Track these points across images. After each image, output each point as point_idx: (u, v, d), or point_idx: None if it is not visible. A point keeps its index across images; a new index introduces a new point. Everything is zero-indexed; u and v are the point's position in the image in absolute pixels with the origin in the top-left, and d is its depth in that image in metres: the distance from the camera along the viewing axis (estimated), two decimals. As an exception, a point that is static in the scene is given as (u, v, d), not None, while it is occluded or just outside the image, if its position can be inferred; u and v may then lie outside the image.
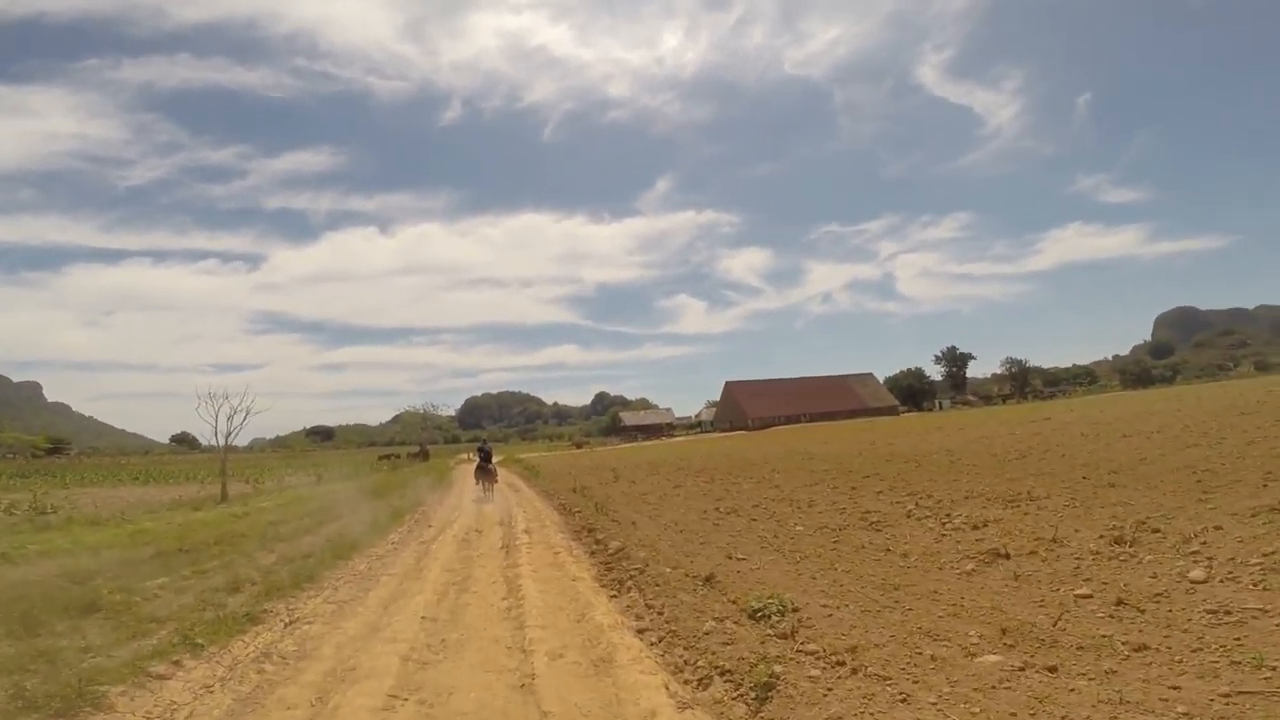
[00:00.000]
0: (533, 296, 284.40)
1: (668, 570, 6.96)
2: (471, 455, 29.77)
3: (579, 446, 70.32)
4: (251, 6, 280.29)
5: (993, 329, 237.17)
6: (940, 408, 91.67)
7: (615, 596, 6.57)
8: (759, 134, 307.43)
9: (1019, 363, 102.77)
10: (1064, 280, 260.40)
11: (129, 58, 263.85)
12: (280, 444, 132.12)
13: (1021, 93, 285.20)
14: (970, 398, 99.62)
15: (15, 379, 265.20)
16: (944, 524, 8.39)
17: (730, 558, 7.63)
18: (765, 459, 24.01)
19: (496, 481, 19.20)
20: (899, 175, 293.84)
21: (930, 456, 18.39)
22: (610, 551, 8.52)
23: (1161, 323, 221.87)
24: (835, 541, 8.12)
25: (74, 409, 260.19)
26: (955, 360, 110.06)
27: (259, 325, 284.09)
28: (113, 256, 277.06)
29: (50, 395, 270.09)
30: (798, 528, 9.29)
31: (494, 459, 20.64)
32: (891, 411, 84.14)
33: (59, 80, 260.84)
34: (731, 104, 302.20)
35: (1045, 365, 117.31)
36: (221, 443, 20.51)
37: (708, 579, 6.43)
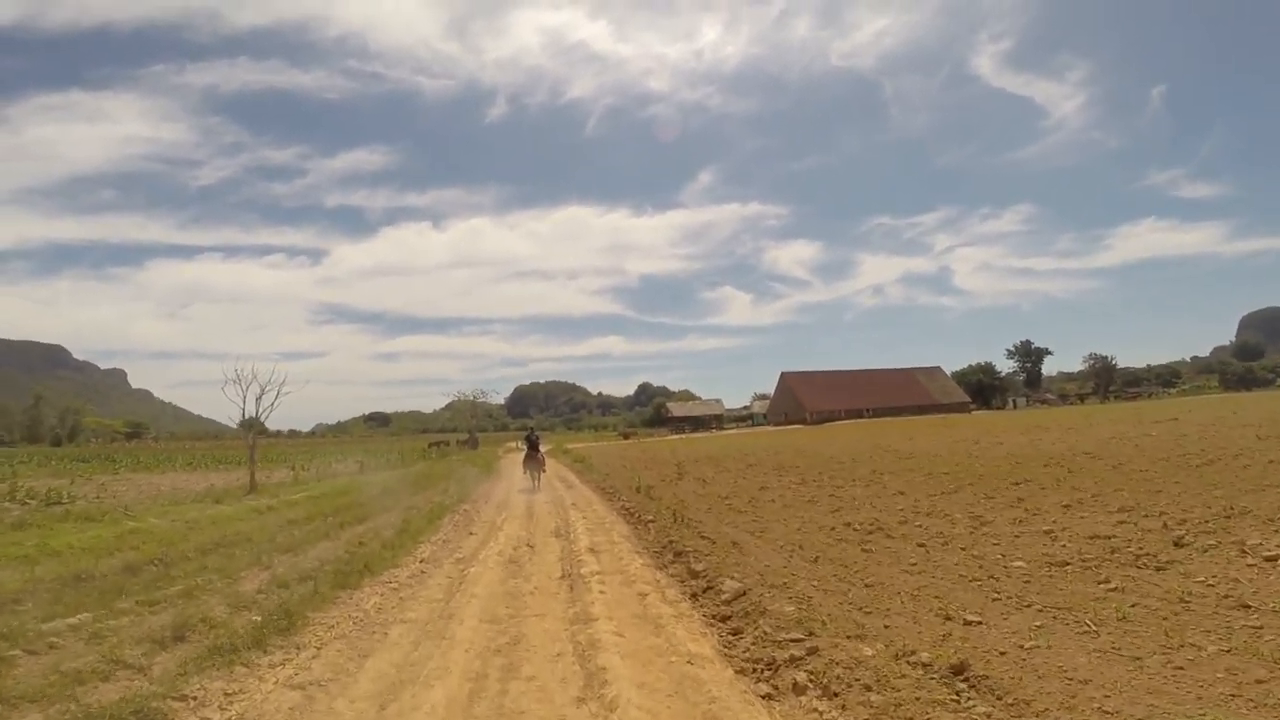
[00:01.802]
0: (579, 288, 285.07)
1: (862, 648, 4.06)
2: (519, 444, 27.86)
3: (626, 437, 67.97)
4: (301, 10, 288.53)
5: (1056, 326, 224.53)
6: (1014, 406, 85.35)
7: (771, 698, 3.74)
8: (805, 126, 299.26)
9: (1104, 359, 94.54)
10: (1136, 277, 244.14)
11: (192, 62, 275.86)
12: (340, 429, 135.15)
13: (1088, 84, 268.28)
14: (1048, 396, 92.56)
15: (103, 366, 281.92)
16: (1266, 559, 5.29)
17: (948, 618, 4.76)
18: (852, 457, 20.77)
19: (545, 471, 18.48)
20: (955, 167, 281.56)
21: (1071, 459, 15.02)
22: (726, 597, 5.68)
23: (1248, 323, 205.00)
24: (1104, 585, 5.31)
25: (155, 395, 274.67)
26: (1030, 355, 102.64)
27: (322, 316, 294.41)
28: (188, 252, 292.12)
29: (134, 382, 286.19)
30: (1016, 562, 6.30)
31: (542, 448, 19.70)
32: (962, 408, 78.51)
33: (130, 86, 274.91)
34: (776, 96, 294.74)
35: (1117, 365, 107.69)
36: (249, 427, 18.49)
37: (958, 671, 3.55)
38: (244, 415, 17.92)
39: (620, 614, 5.44)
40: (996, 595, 5.38)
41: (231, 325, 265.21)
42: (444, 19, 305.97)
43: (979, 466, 15.22)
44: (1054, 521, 8.15)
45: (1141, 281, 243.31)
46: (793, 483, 14.80)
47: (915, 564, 6.58)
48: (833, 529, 8.60)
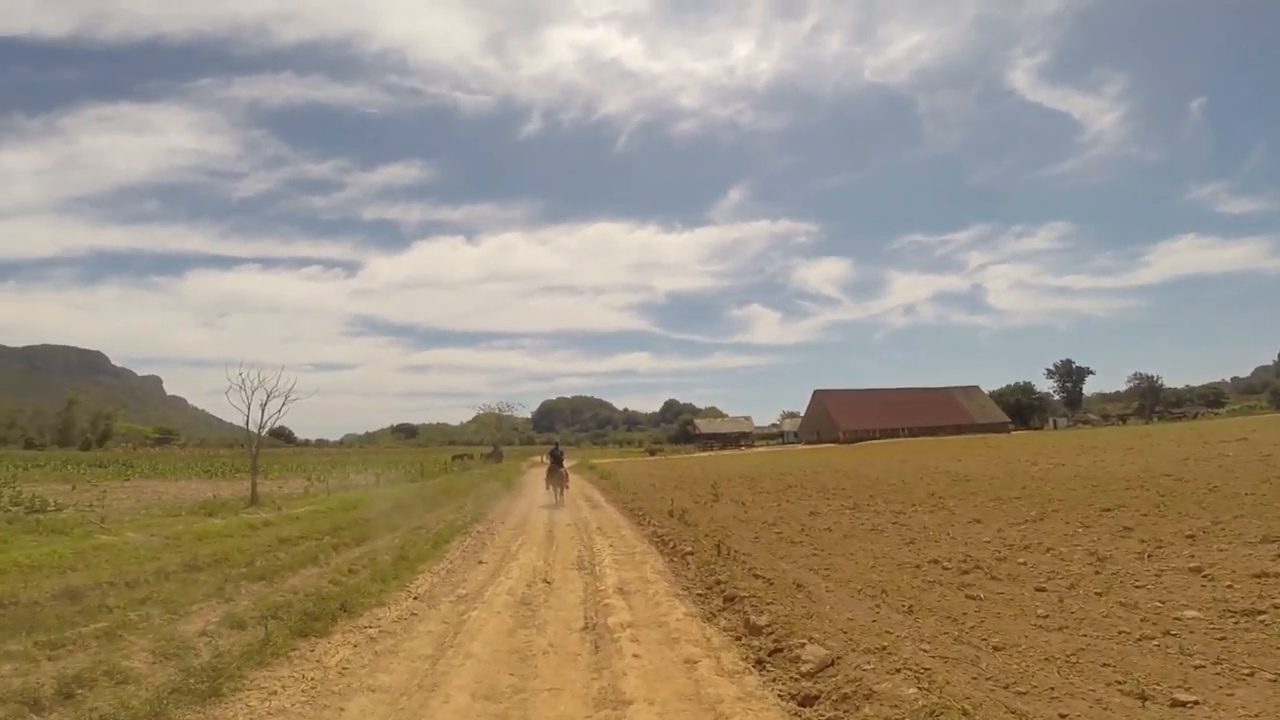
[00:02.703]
0: (607, 304, 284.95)
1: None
2: (544, 458, 26.90)
3: (653, 454, 66.35)
4: (345, 26, 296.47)
5: (1093, 346, 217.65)
6: (1055, 426, 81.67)
7: None
8: (837, 142, 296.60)
9: (1149, 379, 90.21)
10: (1175, 295, 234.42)
11: (238, 76, 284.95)
12: (368, 440, 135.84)
13: (1126, 97, 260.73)
14: (1090, 416, 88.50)
15: (140, 373, 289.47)
16: None
17: (1144, 697, 3.49)
18: (900, 479, 18.95)
19: (568, 487, 18.13)
20: (989, 184, 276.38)
21: (1154, 482, 13.42)
22: (808, 667, 4.15)
23: None
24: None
25: (190, 402, 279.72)
26: (1070, 375, 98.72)
27: (354, 328, 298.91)
28: (227, 263, 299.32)
29: (169, 389, 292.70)
30: (1187, 612, 4.82)
31: (566, 463, 19.40)
32: (1001, 429, 75.24)
33: (178, 98, 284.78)
34: (808, 113, 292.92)
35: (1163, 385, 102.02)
36: (254, 434, 17.38)
37: None
38: (248, 423, 16.78)
39: (663, 692, 3.93)
40: (1192, 659, 3.88)
41: (266, 335, 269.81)
42: (482, 36, 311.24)
43: (1051, 490, 13.42)
44: (1190, 555, 6.63)
45: (1181, 300, 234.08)
46: (844, 507, 13.14)
47: (1048, 616, 5.01)
48: (917, 567, 7.00)
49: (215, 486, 25.16)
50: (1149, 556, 6.79)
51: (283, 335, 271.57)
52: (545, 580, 7.32)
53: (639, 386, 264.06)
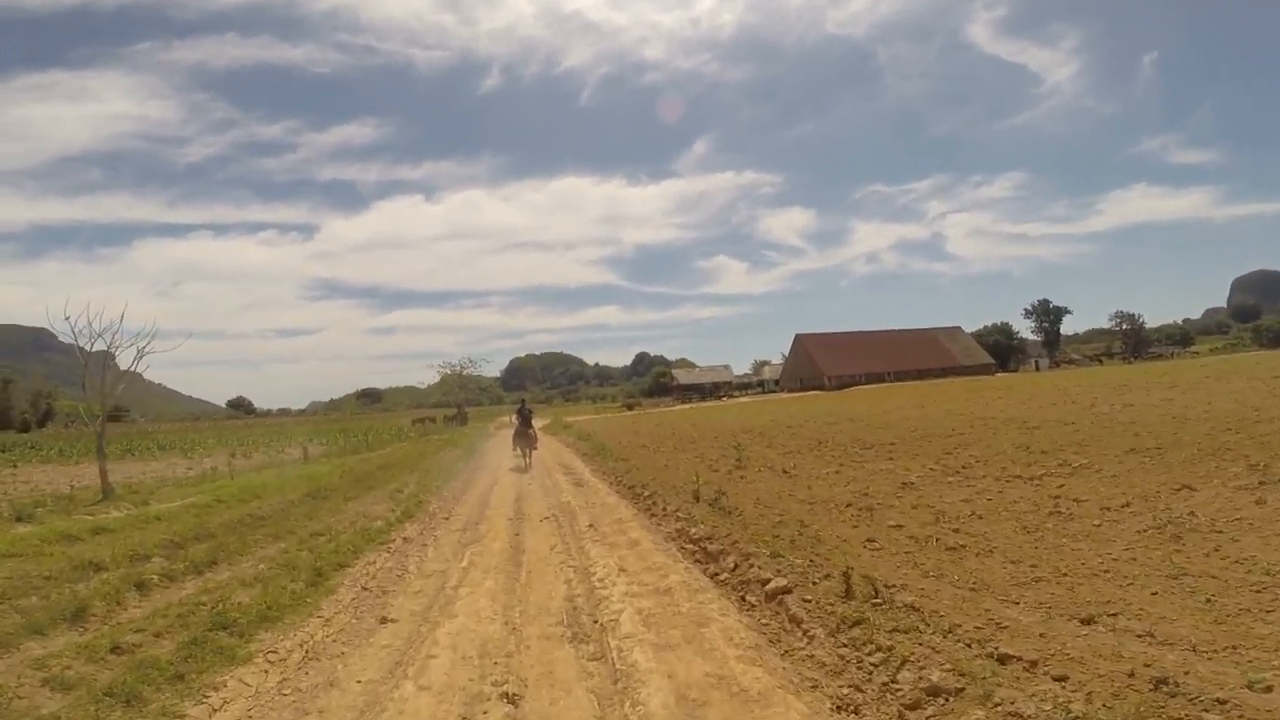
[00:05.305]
0: (575, 258, 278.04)
1: None
2: (512, 418, 23.21)
3: (629, 408, 62.68)
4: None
5: (1049, 290, 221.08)
6: (1038, 367, 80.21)
7: None
8: (800, 94, 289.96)
9: (1131, 318, 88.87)
10: (1127, 241, 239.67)
11: (179, 39, 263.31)
12: (333, 407, 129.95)
13: (1081, 51, 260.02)
14: (1074, 356, 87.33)
15: (91, 349, 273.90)
16: None
17: None
18: (949, 429, 15.08)
19: (537, 448, 17.02)
20: (948, 135, 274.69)
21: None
22: None
23: (1240, 286, 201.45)
24: None
25: (145, 377, 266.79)
26: (1048, 315, 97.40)
27: (315, 292, 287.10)
28: (178, 231, 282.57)
29: (123, 364, 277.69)
30: None
31: (536, 423, 18.16)
32: (986, 370, 73.23)
33: (115, 64, 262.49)
34: (771, 64, 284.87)
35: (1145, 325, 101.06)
36: (97, 399, 12.74)
37: None
38: (84, 387, 12.18)
39: None
40: None
41: (224, 303, 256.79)
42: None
43: (1180, 436, 9.64)
44: None
45: (1134, 245, 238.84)
46: (934, 472, 9.28)
47: None
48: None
49: (120, 469, 20.52)
50: None
51: (241, 303, 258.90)
52: (505, 694, 3.22)
53: (609, 340, 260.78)
